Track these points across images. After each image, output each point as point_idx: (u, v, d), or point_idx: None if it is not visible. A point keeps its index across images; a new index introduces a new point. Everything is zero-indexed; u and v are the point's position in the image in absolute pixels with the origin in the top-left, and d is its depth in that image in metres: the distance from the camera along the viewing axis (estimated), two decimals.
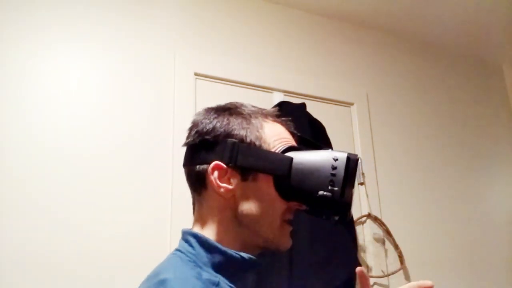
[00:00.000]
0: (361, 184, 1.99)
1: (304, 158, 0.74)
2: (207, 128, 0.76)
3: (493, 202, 2.39)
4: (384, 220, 1.98)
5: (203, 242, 0.72)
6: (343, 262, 1.67)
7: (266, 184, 0.74)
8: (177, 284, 0.63)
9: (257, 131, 0.76)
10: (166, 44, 1.78)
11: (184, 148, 0.81)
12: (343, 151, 0.74)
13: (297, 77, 2.02)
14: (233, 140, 0.74)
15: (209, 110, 0.80)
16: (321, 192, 0.71)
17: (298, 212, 0.78)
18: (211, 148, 0.75)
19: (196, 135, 0.77)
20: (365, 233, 1.94)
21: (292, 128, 0.81)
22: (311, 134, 1.77)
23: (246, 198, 0.73)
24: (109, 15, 1.72)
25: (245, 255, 0.72)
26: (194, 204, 0.80)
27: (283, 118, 0.81)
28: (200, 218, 0.77)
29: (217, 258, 0.70)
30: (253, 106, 0.80)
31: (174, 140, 1.66)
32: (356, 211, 1.92)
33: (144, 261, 1.46)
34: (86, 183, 1.50)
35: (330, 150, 0.75)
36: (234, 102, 0.80)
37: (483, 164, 2.43)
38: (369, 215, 1.96)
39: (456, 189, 2.29)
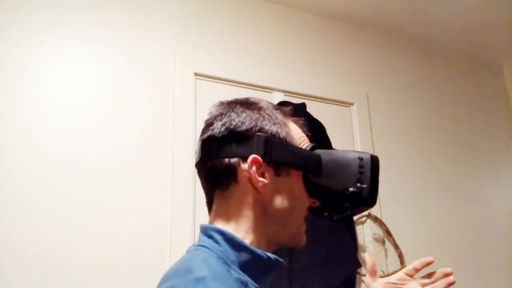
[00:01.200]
0: None
1: (332, 156, 0.77)
2: (237, 121, 0.74)
3: (493, 202, 2.39)
4: (384, 220, 1.98)
5: (229, 239, 0.69)
6: (343, 262, 1.67)
7: (296, 180, 0.75)
8: (216, 283, 0.61)
9: (286, 127, 0.76)
10: (166, 44, 1.78)
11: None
12: (365, 152, 0.80)
13: (297, 77, 2.02)
14: (267, 134, 0.73)
15: (232, 104, 0.78)
16: (351, 189, 0.75)
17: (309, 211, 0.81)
18: (242, 142, 0.73)
19: (223, 127, 0.74)
20: (365, 233, 1.94)
21: (305, 129, 0.83)
22: (311, 134, 1.77)
23: (278, 193, 0.73)
24: (109, 15, 1.72)
25: (271, 255, 0.71)
26: (211, 200, 0.77)
27: (296, 118, 0.82)
28: (224, 213, 0.74)
29: (244, 257, 0.68)
30: (269, 103, 0.80)
31: (174, 140, 1.66)
32: None
33: (144, 261, 1.47)
34: (86, 183, 1.50)
35: (352, 150, 0.80)
36: (252, 98, 0.80)
37: (483, 164, 2.43)
38: (369, 215, 1.96)
39: (456, 189, 2.29)
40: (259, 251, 0.70)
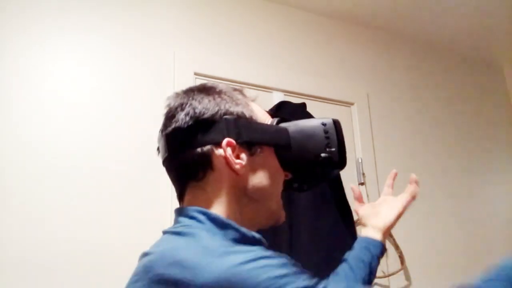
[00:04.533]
0: (362, 184, 1.99)
1: (298, 127, 0.79)
2: (200, 108, 0.73)
3: (493, 202, 2.39)
4: None
5: (214, 219, 0.68)
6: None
7: (270, 156, 0.76)
8: (241, 249, 0.62)
9: (248, 106, 0.77)
10: (165, 44, 1.78)
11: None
12: (327, 117, 0.82)
13: (297, 77, 2.02)
14: (234, 116, 0.73)
15: (189, 92, 0.76)
16: (323, 154, 0.78)
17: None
18: (211, 128, 0.72)
19: (188, 117, 0.72)
20: None
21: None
22: None
23: (255, 172, 0.74)
24: (108, 15, 1.71)
25: (256, 234, 0.69)
26: (183, 194, 0.75)
27: (253, 98, 0.83)
28: (203, 201, 0.72)
29: (231, 234, 0.66)
30: (226, 86, 0.80)
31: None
32: None
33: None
34: (86, 183, 1.50)
35: (314, 118, 0.83)
36: (208, 83, 0.80)
37: (483, 164, 2.43)
38: None
39: (457, 189, 2.29)
40: (244, 229, 0.68)
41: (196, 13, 1.90)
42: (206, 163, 0.72)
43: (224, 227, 0.67)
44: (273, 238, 1.59)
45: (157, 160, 1.69)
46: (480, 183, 2.38)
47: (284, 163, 0.78)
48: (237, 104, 0.75)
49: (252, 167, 0.73)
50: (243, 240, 0.66)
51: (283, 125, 0.79)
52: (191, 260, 0.59)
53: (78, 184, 1.49)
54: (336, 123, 0.81)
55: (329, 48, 2.19)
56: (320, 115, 1.88)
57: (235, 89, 0.79)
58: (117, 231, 1.49)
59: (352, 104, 2.12)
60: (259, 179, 0.74)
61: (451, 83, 2.51)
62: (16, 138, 1.45)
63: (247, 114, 0.75)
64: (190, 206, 0.71)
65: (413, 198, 1.13)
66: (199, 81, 1.79)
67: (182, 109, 0.74)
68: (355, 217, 1.88)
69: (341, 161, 0.80)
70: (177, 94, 0.78)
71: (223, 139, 0.71)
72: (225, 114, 0.73)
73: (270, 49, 2.01)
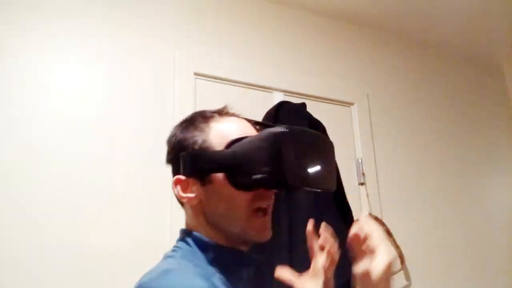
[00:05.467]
0: (361, 184, 1.99)
1: (241, 146, 0.75)
2: (169, 147, 0.82)
3: (493, 202, 2.39)
4: (384, 220, 1.98)
5: (197, 240, 0.76)
6: (343, 265, 1.67)
7: (222, 182, 0.76)
8: (179, 272, 0.68)
9: (205, 135, 0.78)
10: (166, 44, 1.78)
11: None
12: (278, 128, 0.73)
13: (297, 77, 2.02)
14: (185, 152, 0.77)
15: (174, 128, 0.84)
16: (255, 176, 0.72)
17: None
18: (174, 165, 0.81)
19: (166, 155, 0.83)
20: None
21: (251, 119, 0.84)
22: None
23: (210, 200, 0.77)
24: (109, 15, 1.71)
25: (237, 249, 0.76)
26: None
27: (235, 112, 0.84)
28: (187, 225, 0.82)
29: (211, 254, 0.74)
30: (217, 109, 0.83)
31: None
32: (357, 211, 1.92)
33: (143, 266, 1.46)
34: (86, 183, 1.50)
35: (265, 132, 0.74)
36: (197, 111, 0.84)
37: (483, 164, 2.43)
38: (369, 215, 1.95)
39: (456, 189, 2.29)
40: (223, 246, 0.75)
41: (196, 14, 1.90)
42: (176, 197, 0.80)
43: (206, 248, 0.75)
44: (272, 240, 1.59)
45: (157, 161, 1.70)
46: (480, 183, 2.38)
47: (241, 185, 0.74)
48: (193, 136, 0.78)
49: (207, 196, 0.77)
50: (222, 257, 0.75)
51: (233, 146, 0.75)
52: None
53: (78, 185, 1.48)
54: (275, 135, 0.72)
55: (329, 48, 2.19)
56: (320, 115, 1.89)
57: (215, 112, 0.82)
58: (117, 232, 1.49)
59: (352, 104, 2.12)
60: (214, 206, 0.77)
61: (451, 83, 2.51)
62: (17, 139, 1.45)
63: (198, 145, 0.77)
64: (184, 228, 0.81)
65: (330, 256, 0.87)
66: (199, 81, 1.79)
67: (167, 146, 0.83)
68: (355, 217, 1.88)
69: (276, 181, 0.72)
70: (174, 127, 0.85)
71: (174, 177, 0.79)
72: (181, 150, 0.78)
73: (270, 49, 2.02)
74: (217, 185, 0.76)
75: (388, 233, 1.97)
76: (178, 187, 0.78)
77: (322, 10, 2.19)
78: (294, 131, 0.73)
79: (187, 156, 0.77)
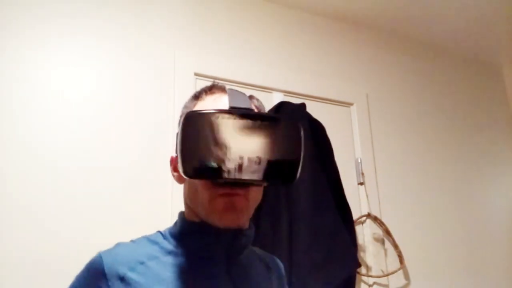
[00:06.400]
0: (361, 184, 2.00)
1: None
2: None
3: (493, 202, 2.40)
4: (383, 220, 1.99)
5: (180, 215, 0.81)
6: (343, 262, 1.68)
7: None
8: (125, 243, 0.77)
9: (184, 111, 0.82)
10: (166, 44, 1.79)
11: None
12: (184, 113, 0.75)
13: (297, 77, 2.02)
14: (177, 131, 0.71)
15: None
16: (179, 165, 0.65)
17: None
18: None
19: None
20: (365, 233, 1.95)
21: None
22: (311, 134, 1.77)
23: (185, 181, 0.79)
24: (109, 15, 1.72)
25: (206, 223, 0.73)
26: None
27: (221, 86, 0.85)
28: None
29: (180, 226, 0.78)
30: (208, 86, 0.85)
31: (174, 140, 1.66)
32: (356, 211, 1.92)
33: None
34: (86, 182, 1.50)
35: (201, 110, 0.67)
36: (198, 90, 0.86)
37: (482, 164, 2.44)
38: (368, 215, 1.96)
39: (456, 189, 2.29)
40: (194, 219, 0.77)
41: (196, 14, 1.91)
42: None
43: (180, 221, 0.80)
44: (273, 237, 1.60)
45: (158, 160, 1.71)
46: (480, 182, 2.39)
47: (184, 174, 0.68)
48: (181, 115, 0.80)
49: (182, 177, 0.76)
50: (190, 228, 0.77)
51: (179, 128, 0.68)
52: None
53: (78, 185, 1.49)
54: (188, 118, 0.64)
55: (328, 48, 2.19)
56: (320, 115, 1.89)
57: (204, 89, 0.84)
58: (117, 231, 1.50)
59: (352, 104, 2.13)
60: (184, 188, 0.80)
61: (450, 83, 2.52)
62: (17, 138, 1.46)
63: (180, 123, 0.73)
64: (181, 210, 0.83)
65: None
66: (199, 82, 1.79)
67: None
68: (354, 217, 1.89)
69: (185, 170, 0.64)
70: None
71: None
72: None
73: (270, 49, 2.02)
74: None
75: (388, 233, 1.98)
76: (172, 166, 0.82)
77: (322, 10, 2.20)
78: (197, 113, 0.64)
79: (177, 135, 0.70)
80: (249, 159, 0.64)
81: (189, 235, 0.77)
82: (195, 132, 0.63)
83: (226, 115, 0.64)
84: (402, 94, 2.32)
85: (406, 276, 1.99)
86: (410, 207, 2.13)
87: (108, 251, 0.75)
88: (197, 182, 0.72)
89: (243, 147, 0.64)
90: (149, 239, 0.78)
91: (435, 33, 2.42)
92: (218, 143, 0.63)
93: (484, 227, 2.30)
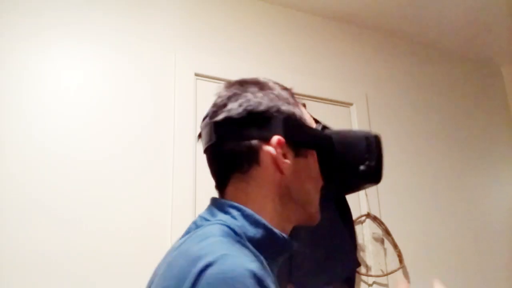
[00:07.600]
0: None
1: (341, 136, 0.80)
2: (254, 101, 0.71)
3: (493, 202, 2.40)
4: (383, 220, 1.99)
5: (247, 216, 0.67)
6: (343, 262, 1.68)
7: (313, 161, 0.75)
8: (237, 258, 0.57)
9: (298, 107, 0.76)
10: (166, 45, 1.79)
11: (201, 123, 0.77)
12: (370, 131, 0.85)
13: (296, 77, 2.03)
14: (285, 115, 0.72)
15: (244, 84, 0.75)
16: (362, 167, 0.79)
17: None
18: (262, 123, 0.70)
19: (241, 108, 0.71)
20: (365, 233, 1.95)
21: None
22: None
23: (298, 174, 0.72)
24: (109, 15, 1.73)
25: (286, 236, 0.70)
26: (224, 183, 0.73)
27: (299, 99, 0.82)
28: (244, 195, 0.71)
29: (261, 234, 0.66)
30: (276, 83, 0.79)
31: (174, 140, 1.67)
32: (355, 211, 1.93)
33: (144, 258, 1.48)
34: (86, 182, 1.51)
35: (358, 130, 0.83)
36: (260, 77, 0.79)
37: (482, 164, 2.44)
38: (368, 215, 1.97)
39: (455, 188, 2.30)
40: (276, 230, 0.68)
41: (196, 15, 1.91)
42: (253, 157, 0.70)
43: (257, 225, 0.66)
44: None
45: (158, 160, 1.71)
46: (479, 182, 2.39)
47: (323, 170, 0.77)
48: (288, 104, 0.74)
49: (295, 169, 0.71)
50: (271, 241, 0.67)
51: (327, 131, 0.79)
52: None
53: (78, 185, 1.50)
54: (378, 138, 0.84)
55: (328, 48, 2.20)
56: (320, 115, 1.90)
57: (284, 88, 0.78)
58: (117, 230, 1.51)
59: (351, 104, 2.13)
60: (302, 181, 0.73)
61: (450, 82, 2.52)
62: (18, 138, 1.46)
63: (297, 115, 0.74)
64: (227, 201, 0.70)
65: None
66: (199, 82, 1.80)
67: (236, 99, 0.72)
68: (354, 216, 1.90)
69: (378, 176, 0.81)
70: (230, 84, 0.76)
71: (273, 136, 0.70)
72: (277, 111, 0.71)
73: (270, 49, 2.03)
74: (310, 162, 0.74)
75: (387, 233, 1.98)
76: (279, 149, 0.69)
77: (321, 11, 2.20)
78: (380, 136, 0.86)
79: (292, 122, 0.72)
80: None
81: (273, 248, 0.68)
82: (380, 148, 0.84)
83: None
84: (401, 94, 2.33)
85: (406, 276, 1.99)
86: (409, 206, 2.13)
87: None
88: (319, 180, 0.77)
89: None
90: (239, 243, 0.63)
91: (435, 34, 2.42)
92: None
93: (484, 227, 2.31)
